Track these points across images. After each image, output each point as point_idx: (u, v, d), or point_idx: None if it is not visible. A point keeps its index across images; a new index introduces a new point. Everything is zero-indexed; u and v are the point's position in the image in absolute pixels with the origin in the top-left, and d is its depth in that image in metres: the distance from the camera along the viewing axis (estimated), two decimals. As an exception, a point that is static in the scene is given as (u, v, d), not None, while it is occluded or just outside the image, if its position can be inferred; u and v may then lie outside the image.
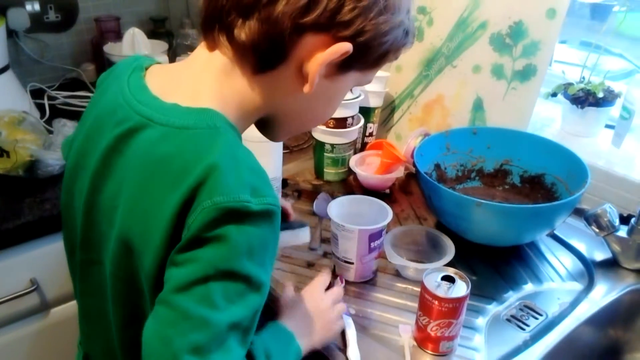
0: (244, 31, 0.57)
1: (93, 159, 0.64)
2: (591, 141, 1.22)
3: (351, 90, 0.70)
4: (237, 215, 0.53)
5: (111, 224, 0.62)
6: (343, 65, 0.62)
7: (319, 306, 0.81)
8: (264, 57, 0.59)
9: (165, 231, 0.55)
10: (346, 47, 0.58)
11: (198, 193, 0.53)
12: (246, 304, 0.55)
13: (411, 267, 0.93)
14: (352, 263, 0.91)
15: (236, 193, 0.53)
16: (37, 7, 1.54)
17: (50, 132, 1.23)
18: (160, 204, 0.56)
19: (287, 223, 0.93)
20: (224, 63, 0.61)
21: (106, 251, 0.64)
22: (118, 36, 1.59)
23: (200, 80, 0.62)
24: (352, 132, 1.21)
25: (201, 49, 0.64)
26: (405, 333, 0.82)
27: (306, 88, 0.61)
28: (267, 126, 0.70)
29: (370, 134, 1.32)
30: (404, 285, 0.93)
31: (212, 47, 0.62)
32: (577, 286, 0.95)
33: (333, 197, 1.07)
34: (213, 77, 0.62)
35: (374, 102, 1.28)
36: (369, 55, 0.62)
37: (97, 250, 0.66)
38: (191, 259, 0.54)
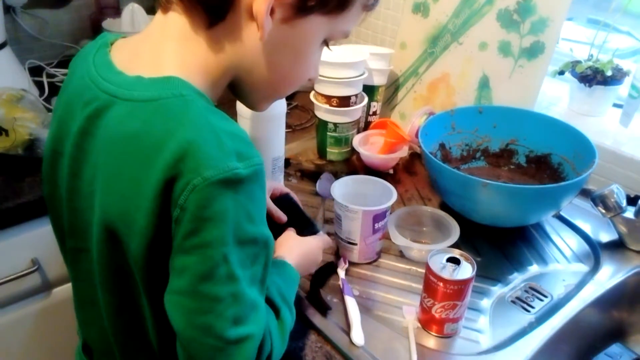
0: None
1: (68, 144, 0.63)
2: (598, 120, 1.20)
3: (327, 45, 0.66)
4: (231, 184, 0.52)
5: (92, 210, 0.61)
6: (300, 8, 0.58)
7: (311, 247, 0.83)
8: (211, 5, 0.56)
9: (150, 212, 0.54)
10: None
11: (181, 169, 0.51)
12: (260, 262, 0.58)
13: (415, 248, 0.92)
14: (356, 244, 0.90)
15: (224, 163, 0.52)
16: (34, -18, 1.51)
17: (50, 110, 1.21)
18: (137, 184, 0.54)
19: (300, 229, 0.89)
20: (179, 25, 0.59)
21: (91, 238, 0.63)
22: (117, 12, 1.56)
23: (161, 49, 0.60)
24: (356, 111, 1.19)
25: (158, 15, 0.61)
26: (409, 315, 0.82)
27: (259, 33, 0.57)
28: (239, 92, 0.68)
29: (374, 113, 1.31)
30: (408, 267, 0.92)
31: (165, 8, 0.60)
32: (583, 268, 0.95)
33: (336, 177, 1.05)
34: (172, 43, 0.59)
35: (378, 80, 1.26)
36: None
37: (83, 238, 0.65)
38: (201, 244, 0.53)
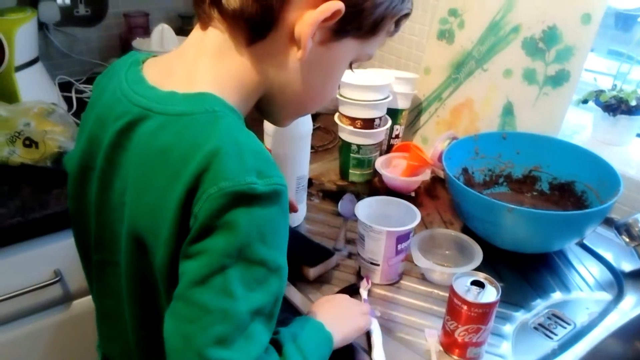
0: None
1: (99, 158, 0.64)
2: (622, 150, 1.20)
3: (351, 67, 0.69)
4: (245, 199, 0.52)
5: (121, 221, 0.61)
6: (337, 31, 0.61)
7: (344, 303, 0.81)
8: (255, 23, 0.58)
9: (173, 223, 0.54)
10: (336, 5, 0.57)
11: (202, 180, 0.52)
12: (266, 290, 0.55)
13: (438, 271, 0.92)
14: (378, 265, 0.90)
15: (242, 176, 0.52)
16: (67, 0, 1.56)
17: (78, 124, 1.24)
18: (164, 195, 0.55)
19: (314, 254, 0.93)
20: (218, 40, 0.60)
21: (119, 250, 0.63)
22: (146, 32, 1.60)
23: (195, 65, 0.61)
24: (379, 134, 1.20)
25: (195, 31, 0.63)
26: (431, 337, 0.81)
27: (300, 53, 0.60)
28: (267, 108, 0.69)
29: (397, 136, 1.32)
30: (430, 289, 0.92)
31: (204, 24, 0.61)
32: (606, 296, 0.94)
33: (358, 198, 1.06)
34: (207, 60, 0.61)
35: (402, 104, 1.27)
36: (362, 18, 0.61)
37: (110, 250, 0.66)
38: (203, 250, 0.53)
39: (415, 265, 0.93)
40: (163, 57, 0.67)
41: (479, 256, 0.92)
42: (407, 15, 0.67)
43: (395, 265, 0.91)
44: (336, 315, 0.76)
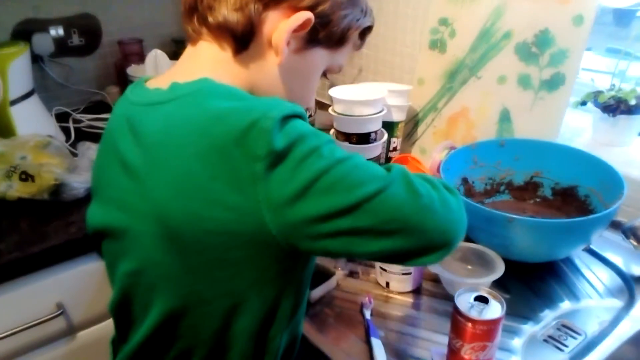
0: (217, 13, 0.64)
1: (116, 166, 0.66)
2: (624, 150, 1.17)
3: (325, 75, 0.77)
4: (293, 116, 0.58)
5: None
6: (310, 40, 0.68)
7: None
8: (238, 34, 0.65)
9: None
10: (306, 14, 0.65)
11: (248, 127, 0.55)
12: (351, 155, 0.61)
13: (445, 278, 0.90)
14: (410, 273, 0.92)
15: (281, 106, 0.57)
16: (61, 32, 1.56)
17: (75, 155, 1.24)
18: (198, 160, 0.57)
19: (314, 275, 0.91)
20: (209, 51, 0.67)
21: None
22: (141, 58, 1.60)
23: (193, 70, 0.66)
24: (376, 147, 1.19)
25: (187, 49, 0.70)
26: (437, 356, 0.79)
27: (278, 59, 0.66)
28: None
29: (394, 149, 1.30)
30: (435, 305, 0.90)
31: (195, 40, 0.68)
32: (617, 303, 0.91)
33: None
34: (204, 65, 0.67)
35: (397, 116, 1.26)
36: (331, 28, 0.68)
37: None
38: (297, 168, 0.56)
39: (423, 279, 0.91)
40: (163, 74, 0.72)
41: (500, 267, 0.89)
42: (369, 28, 0.75)
43: (420, 269, 0.93)
44: None
